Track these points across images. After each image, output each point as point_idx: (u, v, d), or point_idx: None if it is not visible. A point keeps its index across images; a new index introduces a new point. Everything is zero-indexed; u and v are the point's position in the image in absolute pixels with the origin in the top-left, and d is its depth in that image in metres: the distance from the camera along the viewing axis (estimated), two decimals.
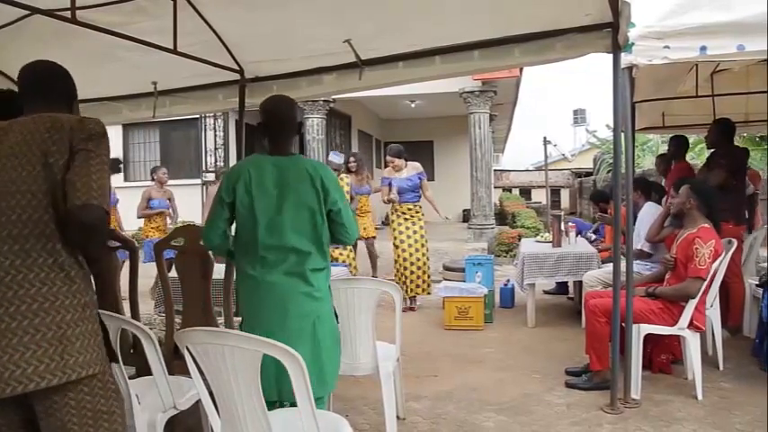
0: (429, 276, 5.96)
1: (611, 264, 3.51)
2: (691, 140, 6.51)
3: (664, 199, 4.65)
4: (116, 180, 1.91)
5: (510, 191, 28.02)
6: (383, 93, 8.15)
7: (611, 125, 3.44)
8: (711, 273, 3.36)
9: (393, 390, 2.87)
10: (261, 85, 4.30)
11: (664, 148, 9.54)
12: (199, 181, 12.04)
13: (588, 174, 23.06)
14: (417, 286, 5.85)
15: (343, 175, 6.37)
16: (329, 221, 2.35)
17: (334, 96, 9.35)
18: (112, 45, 3.41)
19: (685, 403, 3.28)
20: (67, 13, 2.88)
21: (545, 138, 11.97)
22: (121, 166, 3.18)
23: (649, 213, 4.35)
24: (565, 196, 28.11)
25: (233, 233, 2.42)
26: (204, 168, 12.18)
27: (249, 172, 2.29)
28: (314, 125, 10.68)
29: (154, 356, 2.22)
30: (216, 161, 12.21)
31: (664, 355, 3.78)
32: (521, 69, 9.96)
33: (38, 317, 1.51)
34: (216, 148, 12.26)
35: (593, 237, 6.29)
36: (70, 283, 1.58)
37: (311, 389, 1.74)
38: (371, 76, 3.87)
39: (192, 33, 3.49)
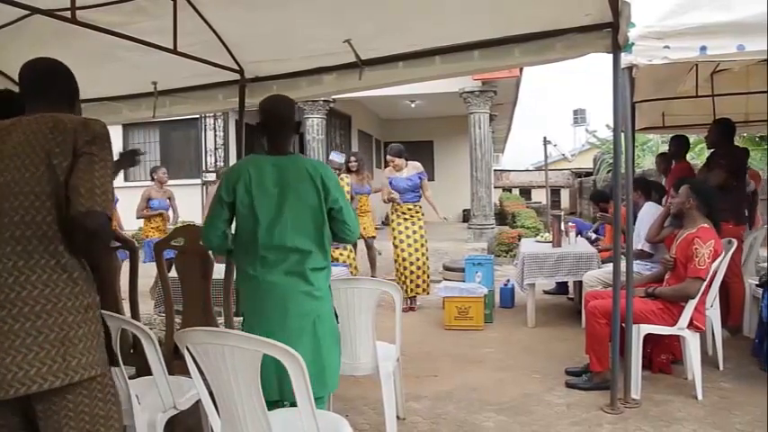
0: (429, 276, 5.96)
1: (611, 264, 3.51)
2: (691, 140, 6.50)
3: (664, 199, 4.66)
4: (116, 180, 1.90)
5: (510, 191, 28.02)
6: (383, 93, 8.15)
7: (611, 125, 3.44)
8: (711, 273, 3.36)
9: (393, 390, 2.87)
10: (261, 85, 4.30)
11: (664, 148, 9.55)
12: (199, 181, 12.04)
13: (588, 174, 23.06)
14: (417, 286, 5.85)
15: (343, 175, 6.37)
16: (330, 220, 2.35)
17: (334, 96, 9.35)
18: (112, 45, 3.41)
19: (685, 403, 3.28)
20: (67, 13, 2.88)
21: (545, 138, 11.97)
22: (140, 158, 3.13)
23: (649, 213, 4.35)
24: (565, 196, 28.11)
25: (232, 232, 2.42)
26: (204, 168, 12.18)
27: (249, 172, 2.29)
28: (314, 125, 10.68)
29: (154, 356, 2.22)
30: (216, 161, 12.20)
31: (664, 355, 3.78)
32: (521, 69, 9.96)
33: (40, 319, 1.51)
34: (216, 148, 12.26)
35: (594, 236, 6.29)
36: (73, 285, 1.57)
37: (311, 388, 1.74)
38: (371, 76, 3.87)
39: (192, 33, 3.49)
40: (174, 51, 3.42)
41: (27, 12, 3.16)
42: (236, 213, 2.32)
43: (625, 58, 3.00)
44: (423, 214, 5.97)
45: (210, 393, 1.90)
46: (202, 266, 2.87)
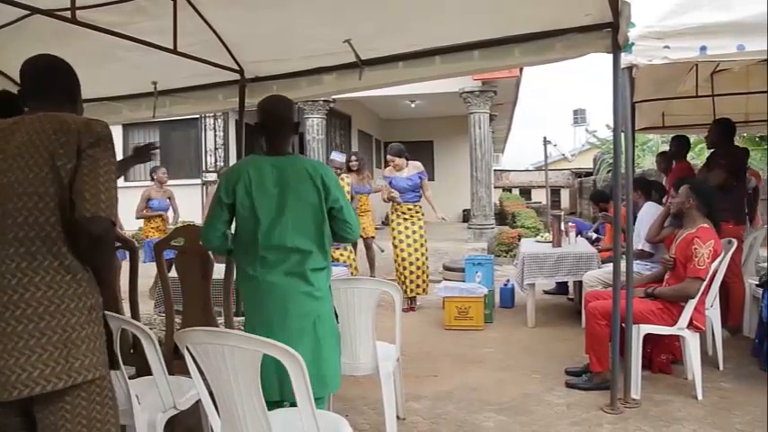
0: (428, 276, 5.96)
1: (611, 264, 3.51)
2: (691, 140, 6.50)
3: (664, 198, 4.66)
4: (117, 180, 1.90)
5: (510, 191, 28.01)
6: (383, 93, 8.15)
7: (611, 125, 3.44)
8: (711, 273, 3.36)
9: (393, 390, 2.87)
10: (261, 85, 4.30)
11: (664, 148, 9.55)
12: (199, 181, 12.04)
13: (588, 174, 23.05)
14: (417, 286, 5.85)
15: (344, 175, 6.37)
16: (331, 219, 2.35)
17: (334, 96, 9.35)
18: (112, 45, 3.41)
19: (685, 403, 3.28)
20: (67, 13, 2.88)
21: (545, 138, 11.96)
22: (156, 152, 3.11)
23: (649, 213, 4.35)
24: (565, 196, 28.10)
25: (232, 233, 2.42)
26: (204, 168, 12.18)
27: (248, 173, 2.29)
28: (314, 125, 10.68)
29: (154, 356, 2.22)
30: (216, 161, 12.20)
31: (664, 355, 3.78)
32: (521, 69, 9.96)
33: (43, 320, 1.51)
34: (216, 148, 12.26)
35: (595, 236, 6.29)
36: (76, 286, 1.57)
37: (312, 388, 1.74)
38: (371, 76, 3.87)
39: (192, 33, 3.49)
40: (174, 51, 3.42)
41: (27, 12, 3.16)
42: (236, 214, 2.31)
43: (625, 58, 3.00)
44: (423, 214, 5.97)
45: (210, 393, 1.90)
46: (202, 266, 2.87)
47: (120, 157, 1.93)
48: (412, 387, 3.58)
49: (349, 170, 6.68)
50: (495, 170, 22.94)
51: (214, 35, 3.69)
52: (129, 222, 7.37)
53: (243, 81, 4.27)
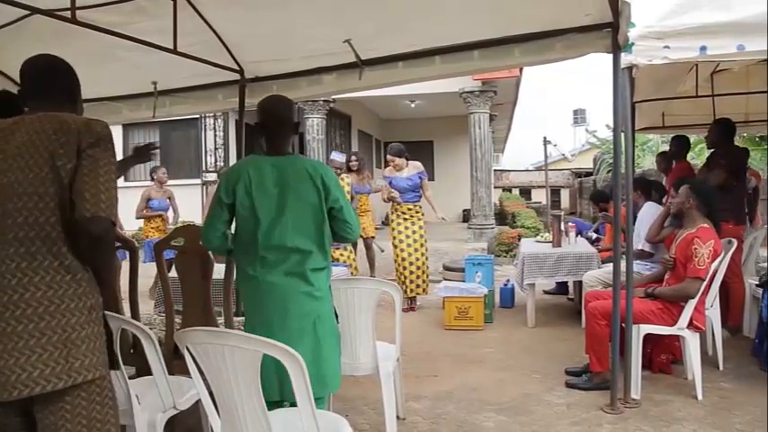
0: (428, 276, 5.95)
1: (612, 264, 3.51)
2: (691, 140, 6.51)
3: (665, 198, 4.66)
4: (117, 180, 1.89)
5: (510, 191, 28.01)
6: (383, 93, 8.15)
7: (611, 125, 3.44)
8: (711, 273, 3.36)
9: (393, 390, 2.87)
10: (261, 85, 4.30)
11: (664, 148, 9.55)
12: (199, 181, 12.04)
13: (588, 174, 23.05)
14: (417, 286, 5.85)
15: (344, 175, 6.37)
16: (331, 219, 2.35)
17: (334, 96, 9.35)
18: (112, 45, 3.41)
19: (685, 403, 3.28)
20: (67, 13, 2.88)
21: (545, 138, 11.97)
22: (156, 152, 3.09)
23: (649, 213, 4.35)
24: (565, 196, 28.10)
25: (232, 233, 2.42)
26: (204, 168, 12.18)
27: (248, 173, 2.29)
28: (314, 125, 10.68)
29: (154, 356, 2.22)
30: (216, 161, 12.20)
31: (664, 355, 3.78)
32: (521, 69, 9.96)
33: (43, 320, 1.51)
34: (216, 148, 12.26)
35: (595, 236, 6.29)
36: (76, 286, 1.57)
37: (313, 389, 1.74)
38: (371, 76, 3.87)
39: (192, 33, 3.49)
40: (174, 51, 3.42)
41: (27, 12, 3.16)
42: (236, 214, 2.31)
43: (625, 58, 3.00)
44: (423, 214, 5.97)
45: (210, 393, 1.90)
46: (202, 266, 2.87)
47: (120, 157, 1.93)
48: (412, 387, 3.58)
49: (349, 170, 6.68)
50: (495, 170, 22.94)
51: (214, 35, 3.69)
52: (129, 222, 7.38)
53: (243, 81, 4.27)
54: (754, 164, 9.12)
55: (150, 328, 2.29)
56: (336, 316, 2.54)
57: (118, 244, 2.99)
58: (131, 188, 8.85)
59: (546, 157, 12.40)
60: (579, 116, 43.14)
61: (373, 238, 7.10)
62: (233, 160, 11.51)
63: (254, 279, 2.30)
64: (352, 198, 6.45)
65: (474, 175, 10.30)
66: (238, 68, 4.17)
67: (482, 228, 10.46)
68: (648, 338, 3.45)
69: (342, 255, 5.96)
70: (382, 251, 7.17)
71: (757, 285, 4.27)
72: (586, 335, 3.59)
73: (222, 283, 3.19)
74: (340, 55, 3.75)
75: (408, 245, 5.81)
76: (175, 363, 2.53)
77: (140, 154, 3.07)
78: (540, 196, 26.30)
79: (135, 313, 2.95)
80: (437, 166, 15.70)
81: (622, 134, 3.30)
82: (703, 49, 2.81)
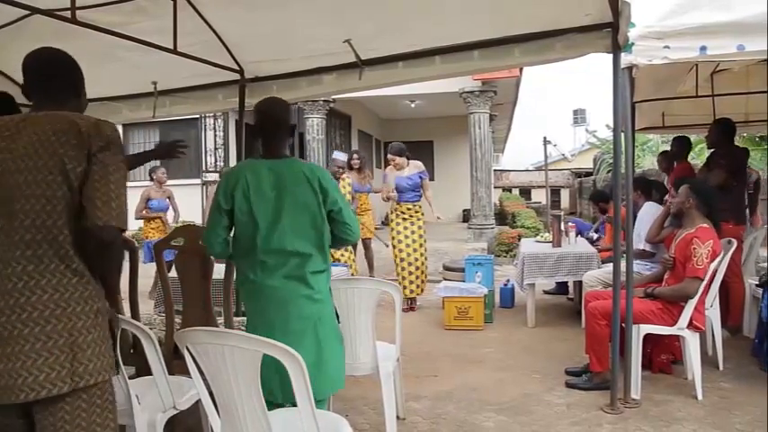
0: (426, 276, 5.95)
1: (611, 264, 3.51)
2: (691, 140, 6.51)
3: (666, 197, 4.65)
4: None
5: (510, 191, 28.01)
6: (383, 93, 8.15)
7: (611, 125, 3.44)
8: (710, 273, 3.36)
9: (393, 390, 2.87)
10: (261, 85, 4.30)
11: (664, 148, 9.55)
12: (199, 181, 12.03)
13: (588, 174, 23.05)
14: (417, 287, 5.85)
15: (345, 175, 6.37)
16: (330, 222, 2.35)
17: (334, 96, 9.35)
18: (112, 45, 3.41)
19: (685, 403, 3.28)
20: (67, 13, 2.88)
21: (545, 138, 11.97)
22: (184, 150, 3.00)
23: (649, 213, 4.35)
24: (565, 196, 28.10)
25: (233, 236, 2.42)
26: (204, 168, 12.17)
27: (246, 178, 2.29)
28: (314, 125, 10.68)
29: (154, 356, 2.22)
30: (216, 161, 12.20)
31: (664, 355, 3.78)
32: (521, 69, 9.95)
33: (49, 324, 1.50)
34: (216, 148, 12.25)
35: (596, 236, 6.28)
36: (82, 289, 1.56)
37: (315, 390, 1.74)
38: (371, 76, 3.87)
39: (192, 33, 3.49)
40: (174, 51, 3.42)
41: (27, 12, 3.16)
42: (235, 219, 2.31)
43: (625, 58, 3.00)
44: (422, 214, 5.96)
45: (210, 393, 1.90)
46: (202, 266, 2.87)
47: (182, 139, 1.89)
48: (412, 387, 3.58)
49: (350, 168, 6.68)
50: (495, 170, 22.94)
51: (214, 35, 3.70)
52: (128, 222, 7.36)
53: (243, 81, 4.27)
54: (755, 164, 9.12)
55: (150, 328, 2.29)
56: (338, 316, 2.54)
57: None
58: (131, 188, 8.81)
59: (546, 157, 12.40)
60: (579, 116, 43.14)
61: (371, 238, 7.10)
62: (233, 160, 11.51)
63: (255, 283, 2.29)
64: (352, 198, 6.45)
65: (474, 175, 10.30)
66: (238, 68, 4.18)
67: (482, 228, 10.46)
68: (648, 338, 3.45)
69: (342, 255, 5.96)
70: (387, 246, 7.17)
71: (757, 285, 4.27)
72: (586, 335, 3.59)
73: (222, 283, 3.19)
74: (340, 55, 3.75)
75: (407, 245, 5.81)
76: (175, 363, 2.53)
77: (165, 150, 3.03)
78: (540, 196, 26.30)
79: (135, 313, 2.95)
80: (437, 166, 15.70)
81: (622, 134, 3.30)
82: (703, 49, 2.81)
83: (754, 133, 10.36)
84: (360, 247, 6.99)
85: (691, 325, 3.37)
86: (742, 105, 6.17)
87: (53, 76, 1.69)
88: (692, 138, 6.98)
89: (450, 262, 6.39)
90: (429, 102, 12.61)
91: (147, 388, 2.32)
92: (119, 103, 4.71)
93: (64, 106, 1.66)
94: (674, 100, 5.76)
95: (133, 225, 8.01)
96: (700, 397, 3.31)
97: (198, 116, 11.59)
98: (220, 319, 3.02)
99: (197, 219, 10.53)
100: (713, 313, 3.81)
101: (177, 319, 2.96)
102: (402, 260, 5.81)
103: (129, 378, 2.27)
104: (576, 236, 5.77)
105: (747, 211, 4.92)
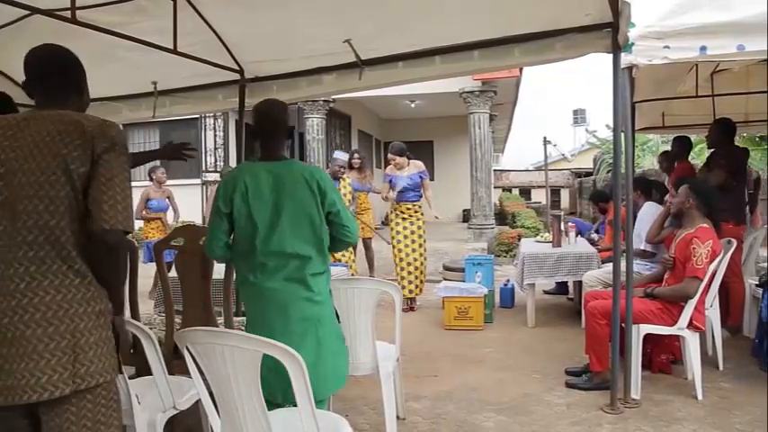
0: (425, 276, 5.95)
1: (611, 264, 3.51)
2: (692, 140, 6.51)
3: (666, 197, 4.65)
4: None
5: (510, 191, 28.01)
6: (383, 93, 8.15)
7: (611, 125, 3.44)
8: (710, 273, 3.36)
9: (393, 390, 2.87)
10: (261, 85, 4.30)
11: (664, 148, 9.54)
12: (199, 181, 12.04)
13: (588, 174, 23.04)
14: (416, 287, 5.85)
15: (346, 175, 6.38)
16: (329, 224, 2.35)
17: (334, 96, 9.35)
18: (112, 45, 3.40)
19: (685, 403, 3.28)
20: (67, 13, 2.88)
21: (545, 138, 11.96)
22: (192, 154, 2.98)
23: (649, 213, 4.35)
24: (565, 196, 28.10)
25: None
26: (204, 168, 12.18)
27: (245, 181, 2.28)
28: (314, 125, 10.68)
29: (154, 356, 2.22)
30: (216, 161, 12.20)
31: (664, 355, 3.78)
32: (521, 69, 9.95)
33: (52, 325, 1.50)
34: (216, 148, 12.26)
35: (597, 237, 6.27)
36: (84, 290, 1.56)
37: (315, 390, 1.74)
38: (371, 76, 3.86)
39: (192, 33, 3.49)
40: (174, 51, 3.42)
41: (27, 12, 3.16)
42: (235, 222, 2.31)
43: (625, 58, 3.00)
44: (422, 214, 5.97)
45: (210, 393, 1.90)
46: (202, 266, 2.87)
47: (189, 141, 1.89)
48: (412, 387, 3.58)
49: (351, 168, 6.69)
50: (495, 170, 22.94)
51: (214, 35, 3.69)
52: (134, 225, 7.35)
53: (243, 81, 4.27)
54: (755, 164, 9.13)
55: (150, 328, 2.29)
56: (338, 316, 2.54)
57: None
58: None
59: (546, 157, 12.39)
60: (579, 116, 43.11)
61: (370, 238, 7.10)
62: (233, 160, 11.51)
63: (255, 285, 2.30)
64: (353, 197, 6.45)
65: (474, 175, 10.30)
66: (238, 68, 4.17)
67: (482, 228, 10.46)
68: (648, 338, 3.45)
69: (343, 255, 5.96)
70: (389, 243, 7.16)
71: (757, 285, 4.27)
72: (586, 335, 3.59)
73: (222, 283, 3.19)
74: (340, 55, 3.75)
75: (406, 245, 5.81)
76: (175, 363, 2.53)
77: (171, 151, 3.02)
78: (539, 196, 26.30)
79: (135, 313, 2.95)
80: (437, 166, 15.70)
81: (622, 134, 3.30)
82: (703, 49, 2.81)
83: (754, 133, 10.35)
84: (360, 247, 7.00)
85: (691, 325, 3.37)
86: (742, 105, 6.17)
87: (55, 73, 1.68)
88: (692, 138, 6.98)
89: (450, 262, 6.39)
90: (429, 102, 12.61)
91: (147, 388, 2.32)
92: (119, 103, 4.71)
93: (66, 104, 1.66)
94: (674, 100, 5.76)
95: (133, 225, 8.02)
96: (700, 397, 3.31)
97: (198, 116, 11.60)
98: (220, 319, 3.02)
99: (197, 219, 10.53)
100: (713, 313, 3.81)
101: (177, 319, 2.96)
102: (401, 260, 5.81)
103: (129, 378, 2.27)
104: (576, 236, 5.77)
105: (747, 209, 4.92)
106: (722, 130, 4.73)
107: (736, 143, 5.40)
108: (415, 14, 3.35)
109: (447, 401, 3.44)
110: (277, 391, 2.15)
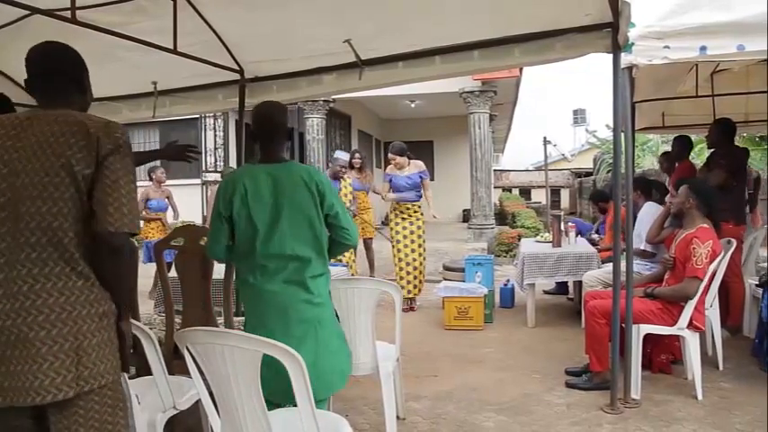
0: (424, 276, 5.95)
1: (611, 264, 3.51)
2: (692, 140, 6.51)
3: (667, 197, 4.65)
4: None
5: (510, 191, 28.01)
6: (383, 93, 8.15)
7: (611, 125, 3.44)
8: (709, 273, 3.36)
9: (393, 390, 2.87)
10: (261, 85, 4.30)
11: (664, 148, 9.56)
12: (199, 181, 12.04)
13: (588, 174, 23.04)
14: (415, 287, 5.84)
15: (346, 175, 6.38)
16: (329, 227, 2.35)
17: (334, 96, 9.35)
18: (112, 45, 3.40)
19: (685, 403, 3.28)
20: (67, 13, 2.88)
21: (545, 138, 11.97)
22: (195, 156, 2.98)
23: (649, 213, 4.35)
24: (565, 196, 28.10)
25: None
26: (204, 168, 12.18)
27: (244, 184, 2.28)
28: (314, 125, 10.68)
29: (154, 356, 2.22)
30: (216, 161, 12.20)
31: (664, 355, 3.78)
32: (521, 69, 9.95)
33: (55, 327, 1.49)
34: (216, 148, 12.26)
35: (598, 237, 6.27)
36: (88, 292, 1.56)
37: (316, 391, 1.74)
38: (371, 76, 3.86)
39: (192, 33, 3.49)
40: (174, 51, 3.42)
41: (27, 12, 3.16)
42: (235, 224, 2.31)
43: (625, 58, 3.00)
44: (422, 214, 5.97)
45: (210, 393, 1.90)
46: (202, 266, 2.87)
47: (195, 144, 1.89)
48: (412, 387, 3.58)
49: (351, 167, 6.69)
50: (495, 170, 22.95)
51: (214, 35, 3.69)
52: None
53: (243, 81, 4.27)
54: (754, 164, 9.13)
55: (150, 328, 2.29)
56: (337, 317, 2.54)
57: None
58: None
59: (546, 157, 12.40)
60: (579, 116, 43.11)
61: (372, 238, 7.09)
62: (233, 160, 11.52)
63: (254, 287, 2.29)
64: (353, 197, 6.45)
65: (474, 175, 10.30)
66: (238, 68, 4.17)
67: (482, 228, 10.46)
68: (648, 338, 3.45)
69: (344, 255, 5.95)
70: (389, 240, 7.16)
71: (757, 285, 4.27)
72: (586, 335, 3.59)
73: (222, 283, 3.19)
74: (340, 55, 3.75)
75: (405, 245, 5.81)
76: (175, 363, 2.53)
77: (175, 152, 3.02)
78: (539, 196, 26.30)
79: (135, 313, 2.95)
80: (437, 166, 15.70)
81: (622, 134, 3.30)
82: (703, 49, 2.81)
83: (754, 133, 10.35)
84: (360, 247, 7.00)
85: (691, 325, 3.37)
86: (742, 105, 6.17)
87: (57, 70, 1.67)
88: (693, 138, 6.98)
89: (450, 262, 6.39)
90: (429, 102, 12.61)
91: (147, 388, 2.32)
92: (119, 103, 4.71)
93: (68, 102, 1.65)
94: (674, 100, 5.76)
95: None
96: (700, 397, 3.31)
97: (198, 116, 11.61)
98: (220, 319, 3.02)
99: (197, 219, 10.54)
100: (713, 313, 3.81)
101: (177, 319, 2.96)
102: (400, 260, 5.81)
103: (129, 378, 2.26)
104: (576, 236, 5.77)
105: (747, 209, 4.92)
106: (722, 130, 4.73)
107: (737, 143, 5.40)
108: (415, 14, 3.35)
109: (447, 401, 3.44)
110: (277, 392, 2.15)
